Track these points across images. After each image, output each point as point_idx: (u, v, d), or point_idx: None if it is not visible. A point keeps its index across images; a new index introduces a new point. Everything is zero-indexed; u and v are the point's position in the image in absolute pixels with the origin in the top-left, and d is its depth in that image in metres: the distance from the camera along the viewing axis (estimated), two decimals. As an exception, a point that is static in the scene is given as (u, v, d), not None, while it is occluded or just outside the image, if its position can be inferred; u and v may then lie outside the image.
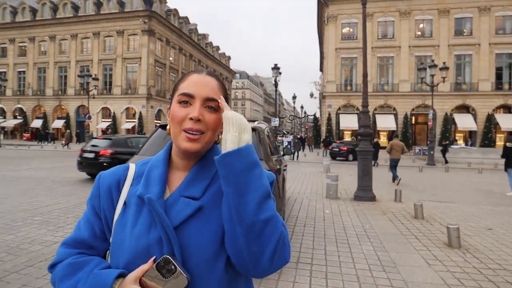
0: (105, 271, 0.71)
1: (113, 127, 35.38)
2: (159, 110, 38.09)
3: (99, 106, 36.51)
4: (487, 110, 30.12)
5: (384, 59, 32.66)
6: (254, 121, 4.57)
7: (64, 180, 9.48)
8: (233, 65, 69.24)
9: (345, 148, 20.55)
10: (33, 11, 39.58)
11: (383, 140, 33.51)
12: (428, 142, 19.75)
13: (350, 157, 20.21)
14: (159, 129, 3.89)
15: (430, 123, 20.23)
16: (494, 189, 9.86)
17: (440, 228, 5.23)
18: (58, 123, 38.34)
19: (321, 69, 48.30)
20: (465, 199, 8.01)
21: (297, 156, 20.65)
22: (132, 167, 0.84)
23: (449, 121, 30.61)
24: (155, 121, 36.66)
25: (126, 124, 35.89)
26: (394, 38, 32.21)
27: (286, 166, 6.11)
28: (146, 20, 35.05)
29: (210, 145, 0.79)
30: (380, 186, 9.72)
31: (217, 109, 0.76)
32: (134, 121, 35.52)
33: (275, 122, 21.25)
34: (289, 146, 16.38)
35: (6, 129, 39.62)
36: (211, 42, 54.51)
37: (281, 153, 6.09)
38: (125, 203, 0.78)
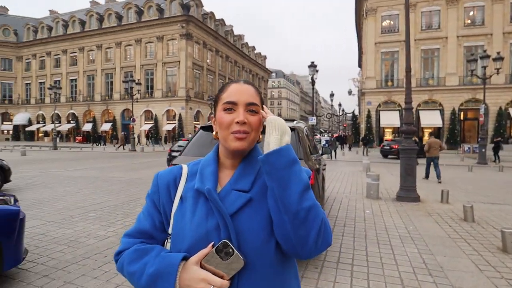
0: (171, 254, 0.81)
1: (155, 129, 37.14)
2: (198, 112, 39.28)
3: (142, 109, 38.52)
4: (550, 103, 27.22)
5: (429, 52, 30.81)
6: (293, 120, 4.58)
7: (112, 179, 10.16)
8: (269, 65, 69.37)
9: (396, 146, 20.07)
10: (82, 23, 42.88)
11: (427, 137, 31.66)
12: (479, 139, 18.30)
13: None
14: (201, 131, 4.03)
15: (481, 119, 18.70)
16: (558, 190, 8.92)
17: (493, 231, 4.86)
18: (106, 126, 41.09)
19: (360, 65, 46.74)
20: (523, 201, 7.34)
21: (335, 155, 20.24)
22: (185, 167, 0.95)
23: (503, 116, 28.12)
24: (194, 122, 37.88)
25: (167, 126, 37.48)
26: (440, 29, 30.23)
27: (325, 165, 6.03)
28: (184, 25, 36.31)
29: (254, 143, 0.90)
30: (425, 187, 9.23)
31: (257, 112, 0.87)
32: (175, 123, 36.99)
33: (313, 120, 20.96)
34: (326, 145, 16.10)
35: (61, 133, 43.26)
36: (246, 43, 55.07)
37: (320, 152, 6.02)
38: (181, 197, 0.89)
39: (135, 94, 26.98)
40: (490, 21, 28.87)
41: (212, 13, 42.66)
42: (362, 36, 36.27)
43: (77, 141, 41.56)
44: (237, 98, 0.86)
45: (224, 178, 0.89)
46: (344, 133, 35.10)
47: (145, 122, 39.24)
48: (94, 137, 36.46)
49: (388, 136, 31.25)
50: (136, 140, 31.32)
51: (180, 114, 36.46)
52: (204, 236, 0.80)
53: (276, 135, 0.81)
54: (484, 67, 17.16)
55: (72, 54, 43.79)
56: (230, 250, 0.75)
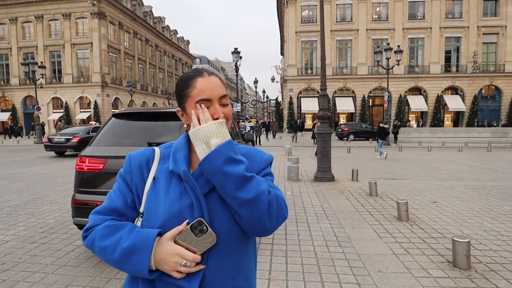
0: (146, 229, 0.85)
1: (67, 118, 33.19)
2: (116, 98, 36.25)
3: (49, 96, 33.98)
4: (437, 92, 32.34)
5: (343, 42, 33.51)
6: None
7: (13, 176, 8.81)
8: (192, 50, 67.34)
9: (346, 129, 24.09)
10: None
11: (342, 122, 34.87)
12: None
13: (351, 137, 23.47)
14: (113, 118, 3.70)
15: (385, 105, 21.35)
16: (440, 165, 10.72)
17: (392, 203, 5.62)
18: (3, 116, 35.22)
19: (282, 53, 48.54)
20: (415, 176, 8.64)
21: (259, 141, 20.85)
22: (157, 149, 0.99)
23: (403, 103, 32.46)
24: (112, 110, 34.88)
25: (80, 115, 33.84)
26: (352, 22, 33.03)
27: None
28: (94, 2, 32.66)
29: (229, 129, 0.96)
30: (339, 168, 10.16)
31: (227, 103, 0.94)
32: (90, 111, 33.56)
33: (237, 107, 21.18)
34: (251, 131, 16.44)
35: None
36: (168, 26, 52.31)
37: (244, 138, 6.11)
38: (154, 178, 0.93)
39: (39, 79, 23.59)
40: (393, 17, 32.64)
41: (128, -9, 39.25)
42: (284, 24, 37.57)
43: (-37, 134, 34.77)
44: (210, 95, 0.89)
45: (195, 161, 0.93)
46: (268, 120, 36.02)
47: (54, 110, 34.75)
48: (13, 128, 30.82)
49: (309, 121, 33.44)
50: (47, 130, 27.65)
51: (95, 102, 33.18)
52: (177, 213, 0.85)
53: (201, 146, 0.84)
54: (388, 59, 19.46)
55: (-51, 29, 35.98)
56: (204, 228, 0.81)
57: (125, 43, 38.42)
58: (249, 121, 31.08)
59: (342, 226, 4.41)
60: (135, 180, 0.94)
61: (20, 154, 15.46)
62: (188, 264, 0.81)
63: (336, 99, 33.14)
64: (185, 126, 0.96)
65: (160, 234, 0.84)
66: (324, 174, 7.86)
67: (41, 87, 26.94)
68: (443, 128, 28.61)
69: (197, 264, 0.83)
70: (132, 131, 3.49)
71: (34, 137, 24.13)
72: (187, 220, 0.83)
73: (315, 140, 18.37)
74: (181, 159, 0.92)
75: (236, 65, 19.68)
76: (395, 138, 20.99)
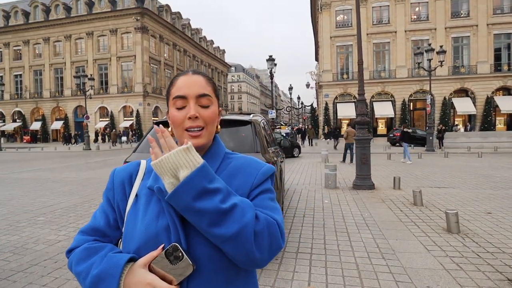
0: (117, 254, 0.76)
1: (112, 126, 35.35)
2: (156, 107, 38.02)
3: (97, 105, 36.45)
4: (486, 93, 30.03)
5: (380, 45, 32.44)
6: (250, 114, 4.57)
7: (64, 180, 9.50)
8: (228, 58, 68.86)
9: (398, 134, 22.32)
10: (26, 14, 39.30)
11: (381, 127, 33.54)
12: (427, 127, 19.74)
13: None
14: (155, 126, 3.87)
15: (428, 109, 20.19)
16: (493, 173, 9.88)
17: (439, 214, 5.25)
18: (57, 125, 38.36)
19: (317, 59, 48.02)
20: (464, 184, 8.03)
21: (299, 151, 20.59)
22: (143, 162, 0.90)
23: (448, 106, 30.52)
24: (153, 118, 36.60)
25: (124, 123, 35.88)
26: (390, 23, 31.92)
27: (283, 158, 6.12)
28: (138, 18, 34.74)
29: (212, 136, 0.86)
30: (379, 175, 9.74)
31: (210, 104, 0.84)
32: (132, 119, 35.49)
33: (272, 114, 21.21)
34: (287, 137, 16.37)
35: (6, 133, 39.62)
36: (204, 37, 54.10)
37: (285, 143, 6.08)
38: (136, 195, 0.84)
39: (88, 90, 25.41)
40: (434, 17, 31.00)
41: (168, 5, 41.23)
42: (318, 29, 37.22)
43: (24, 141, 38.24)
44: (186, 92, 0.82)
45: None
46: (304, 126, 35.41)
47: (101, 119, 37.21)
48: (67, 136, 33.69)
49: (345, 127, 32.54)
50: (96, 138, 29.79)
51: (137, 110, 35.04)
52: (153, 237, 0.75)
53: (168, 180, 0.71)
54: (429, 60, 18.46)
55: (15, 48, 40.09)
56: (180, 254, 0.71)
57: (165, 55, 40.29)
58: (279, 128, 30.06)
59: (385, 237, 4.19)
60: (117, 198, 0.86)
61: (71, 160, 16.66)
62: None
63: (374, 103, 31.99)
64: (169, 130, 0.85)
65: (134, 260, 0.75)
66: (363, 181, 7.57)
67: (90, 98, 28.96)
68: (495, 132, 26.38)
69: None
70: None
71: (83, 144, 25.92)
72: (162, 245, 0.73)
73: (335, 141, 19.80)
74: None
75: (271, 72, 19.77)
76: (440, 143, 19.74)
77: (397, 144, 21.82)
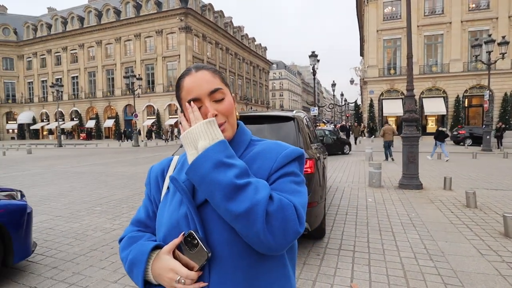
0: (147, 242, 0.84)
1: (158, 124, 37.24)
2: (200, 105, 39.20)
3: (144, 104, 38.59)
4: (554, 87, 26.88)
5: (432, 38, 30.43)
6: (293, 110, 4.60)
7: (117, 174, 10.26)
8: (269, 56, 69.01)
9: (463, 132, 21.67)
10: (81, 19, 42.78)
11: (431, 125, 31.56)
12: (484, 126, 18.17)
13: (469, 141, 20.60)
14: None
15: (486, 105, 18.53)
16: (562, 174, 8.89)
17: (496, 217, 4.88)
18: (109, 123, 41.29)
19: (362, 54, 46.27)
20: (526, 186, 7.34)
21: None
22: (175, 158, 0.97)
23: (509, 102, 27.84)
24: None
25: (169, 120, 37.60)
26: (444, 14, 29.77)
27: (326, 154, 6.06)
28: (182, 18, 36.09)
29: (235, 126, 0.87)
30: (428, 175, 9.24)
31: (223, 97, 0.84)
32: (177, 117, 37.04)
33: (314, 111, 20.92)
34: (329, 134, 16.02)
35: (65, 130, 43.56)
36: (246, 34, 54.66)
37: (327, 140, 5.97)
38: (168, 188, 0.91)
39: (137, 90, 27.01)
40: (496, 5, 28.34)
41: (210, 4, 42.31)
42: (364, 23, 35.81)
43: (81, 138, 41.82)
44: (198, 92, 0.81)
45: None
46: (348, 123, 34.03)
47: (148, 117, 39.36)
48: (119, 133, 36.23)
49: (430, 123, 30.91)
50: (148, 135, 31.79)
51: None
52: (175, 224, 0.80)
53: (191, 151, 0.76)
54: (489, 52, 16.88)
55: (72, 51, 43.81)
56: (195, 242, 0.74)
57: (208, 53, 41.48)
58: (318, 125, 27.68)
59: (434, 239, 4.01)
60: (153, 192, 0.94)
61: (122, 156, 17.89)
62: (183, 281, 0.74)
63: (424, 100, 30.14)
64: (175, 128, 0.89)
65: (161, 247, 0.81)
66: (410, 181, 7.24)
67: (138, 97, 30.77)
68: None
69: (198, 280, 0.75)
70: None
71: (132, 140, 27.63)
72: (182, 233, 0.77)
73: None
74: (187, 165, 0.81)
75: (313, 69, 19.47)
76: (499, 143, 18.11)
77: (461, 143, 20.64)
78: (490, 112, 18.53)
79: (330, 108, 38.71)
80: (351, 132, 26.04)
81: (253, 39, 57.69)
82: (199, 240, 0.74)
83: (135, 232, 0.92)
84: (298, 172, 0.83)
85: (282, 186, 0.78)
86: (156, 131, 36.66)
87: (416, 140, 7.36)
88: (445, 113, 29.72)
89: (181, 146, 4.05)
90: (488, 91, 17.93)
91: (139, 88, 28.39)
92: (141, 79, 28.01)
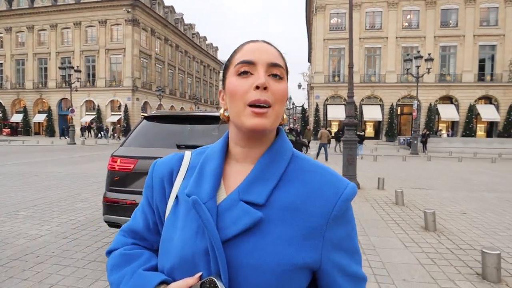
0: (149, 274, 0.64)
1: (98, 121, 34.78)
2: (145, 103, 37.59)
3: (83, 99, 35.78)
4: (469, 101, 30.93)
5: (372, 50, 32.95)
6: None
7: (48, 175, 9.36)
8: (221, 56, 68.60)
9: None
10: (9, 0, 38.13)
11: (369, 130, 34.12)
12: (412, 132, 20.23)
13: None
14: (144, 120, 3.89)
15: (414, 114, 20.70)
16: (471, 176, 10.25)
17: (419, 213, 5.46)
18: (40, 117, 37.41)
19: (309, 60, 48.40)
20: (444, 186, 8.32)
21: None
22: (187, 155, 0.74)
23: (433, 112, 31.31)
24: (142, 113, 36.20)
25: (111, 117, 35.37)
26: (382, 29, 32.46)
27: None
28: (129, 10, 34.26)
29: (278, 122, 0.66)
30: (364, 175, 9.98)
31: (282, 77, 0.65)
32: (120, 114, 35.00)
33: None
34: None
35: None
36: (198, 32, 53.79)
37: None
38: (177, 197, 0.69)
39: (74, 82, 24.92)
40: (424, 25, 31.74)
41: (160, -1, 40.86)
42: (312, 31, 37.52)
43: (4, 133, 37.11)
44: (256, 57, 0.63)
45: (234, 177, 0.67)
46: (298, 126, 34.54)
47: (87, 113, 36.53)
48: (52, 130, 32.90)
49: (334, 128, 32.94)
50: (82, 132, 29.34)
51: (126, 105, 34.56)
52: (190, 258, 0.61)
53: None
54: (418, 67, 18.90)
55: (-3, 35, 38.95)
56: None
57: (156, 49, 39.88)
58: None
59: (367, 234, 4.35)
60: (155, 198, 0.72)
61: (55, 154, 16.37)
62: None
63: (363, 107, 32.51)
64: (221, 112, 0.71)
65: (167, 282, 0.62)
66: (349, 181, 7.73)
67: (76, 90, 28.45)
68: (475, 138, 27.28)
69: None
70: (161, 133, 3.63)
71: (66, 138, 25.41)
72: (199, 274, 0.59)
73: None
74: (209, 175, 0.66)
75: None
76: (424, 147, 20.27)
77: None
78: (418, 119, 20.71)
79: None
80: (301, 136, 24.02)
81: (205, 38, 56.97)
82: None
83: (130, 248, 0.72)
84: (356, 228, 0.67)
85: (347, 248, 0.64)
86: (96, 128, 34.18)
87: (355, 144, 7.91)
88: (381, 120, 32.40)
89: (122, 144, 3.82)
90: (416, 101, 20.05)
91: (78, 81, 26.25)
92: (80, 71, 25.92)
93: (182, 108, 45.76)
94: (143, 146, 3.51)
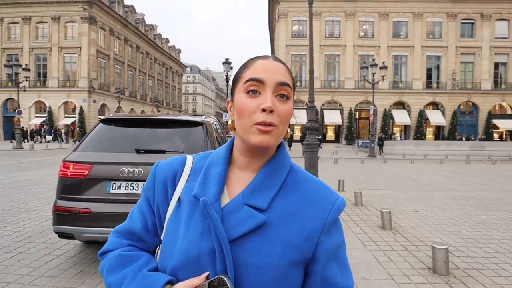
0: (154, 274, 0.66)
1: (49, 123, 32.46)
2: (103, 105, 35.80)
3: (32, 99, 33.26)
4: (419, 107, 33.34)
5: (331, 57, 34.28)
6: (202, 115, 4.57)
7: (-10, 181, 8.53)
8: (183, 59, 67.53)
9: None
10: None
11: (330, 134, 35.37)
12: (370, 135, 21.29)
13: None
14: (101, 124, 3.67)
15: (371, 118, 21.81)
16: (422, 177, 10.99)
17: (376, 213, 5.73)
18: (-18, 118, 34.15)
19: (272, 65, 49.03)
20: (398, 187, 8.83)
21: None
22: (189, 159, 0.77)
23: (388, 116, 33.25)
24: (99, 116, 34.36)
25: (64, 120, 33.21)
26: (341, 38, 33.93)
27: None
28: (86, 7, 32.56)
29: (281, 139, 0.70)
30: (325, 178, 10.30)
31: (289, 97, 0.69)
32: (74, 116, 32.99)
33: (227, 117, 21.24)
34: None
35: None
36: (160, 34, 52.48)
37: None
38: (179, 199, 0.72)
39: (22, 82, 23.05)
40: (378, 35, 33.76)
41: (120, -3, 39.29)
42: (275, 37, 38.20)
43: None
44: (265, 76, 0.67)
45: (236, 183, 0.71)
46: None
47: (36, 115, 33.93)
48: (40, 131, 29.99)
49: (297, 132, 33.79)
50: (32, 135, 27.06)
51: (81, 107, 32.65)
52: (195, 259, 0.64)
53: None
54: (373, 74, 20.00)
55: None
56: None
57: (115, 49, 38.21)
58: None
59: (328, 234, 4.46)
60: (157, 199, 0.74)
61: None
62: None
63: (324, 111, 33.66)
64: (230, 122, 0.73)
65: (172, 282, 0.64)
66: (310, 183, 7.92)
67: (24, 90, 26.35)
68: (425, 141, 29.42)
69: None
70: (119, 137, 3.46)
71: (12, 142, 23.42)
72: (206, 274, 0.62)
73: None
74: (213, 179, 0.69)
75: (226, 75, 19.82)
76: (381, 150, 21.41)
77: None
78: (374, 124, 21.86)
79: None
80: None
81: (167, 40, 55.68)
82: None
83: (127, 249, 0.72)
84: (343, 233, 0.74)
85: (336, 253, 0.69)
86: (45, 131, 31.81)
87: (316, 147, 8.14)
88: (341, 124, 33.74)
89: (75, 149, 3.57)
90: (373, 106, 21.16)
91: (26, 80, 24.33)
92: (29, 70, 24.02)
93: (143, 111, 44.22)
94: (99, 150, 3.32)
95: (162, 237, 0.72)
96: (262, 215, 0.65)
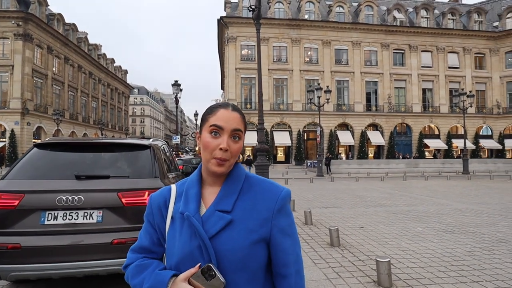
0: (162, 271, 0.93)
1: (-27, 148, 28.80)
2: (39, 127, 32.85)
3: (-48, 122, 29.39)
4: (361, 128, 35.95)
5: (280, 81, 35.78)
6: (149, 138, 4.43)
7: None
8: (130, 80, 65.37)
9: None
10: None
11: (280, 155, 36.29)
12: (317, 155, 22.27)
13: None
14: (35, 149, 3.36)
15: (318, 139, 22.98)
16: (366, 194, 11.71)
17: (325, 230, 5.92)
18: None
19: (223, 87, 49.73)
20: (345, 204, 9.28)
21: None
22: (173, 188, 1.03)
23: (333, 137, 35.22)
24: (34, 140, 31.37)
25: (-8, 144, 29.71)
26: (288, 62, 35.71)
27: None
28: (20, 23, 30.28)
29: (232, 166, 0.97)
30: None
31: (240, 138, 0.96)
32: (4, 141, 29.72)
33: (177, 139, 20.79)
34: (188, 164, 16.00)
35: None
36: (104, 54, 50.42)
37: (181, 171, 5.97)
38: (172, 217, 0.98)
39: None
40: (322, 61, 36.23)
41: (60, 15, 37.28)
42: (225, 61, 38.94)
43: None
44: (224, 124, 0.93)
45: (209, 197, 0.97)
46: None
47: (-43, 139, 29.97)
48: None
49: (280, 153, 34.12)
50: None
51: (12, 130, 29.57)
52: (189, 254, 0.90)
53: None
54: (319, 97, 21.24)
55: None
56: (213, 273, 0.85)
57: (54, 69, 35.73)
58: (188, 154, 27.54)
59: (280, 255, 4.49)
60: (156, 221, 1.00)
61: None
62: None
63: (274, 133, 34.61)
64: (197, 149, 0.93)
65: (176, 275, 0.89)
66: (262, 204, 7.98)
67: None
68: (367, 160, 31.60)
69: None
70: (57, 163, 3.20)
71: None
72: (198, 264, 0.88)
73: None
74: (192, 198, 0.95)
75: (176, 98, 19.57)
76: (328, 169, 22.44)
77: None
78: (321, 144, 22.98)
79: (193, 137, 39.32)
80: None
81: (112, 60, 53.66)
82: (216, 272, 0.85)
83: (142, 259, 0.99)
84: (292, 216, 1.01)
85: (286, 229, 0.95)
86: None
87: (267, 168, 8.30)
88: (290, 145, 34.88)
89: (3, 177, 3.21)
90: (319, 127, 22.32)
91: None
92: None
93: (85, 134, 41.39)
94: (32, 178, 3.02)
95: (166, 246, 0.99)
96: (228, 215, 0.91)
